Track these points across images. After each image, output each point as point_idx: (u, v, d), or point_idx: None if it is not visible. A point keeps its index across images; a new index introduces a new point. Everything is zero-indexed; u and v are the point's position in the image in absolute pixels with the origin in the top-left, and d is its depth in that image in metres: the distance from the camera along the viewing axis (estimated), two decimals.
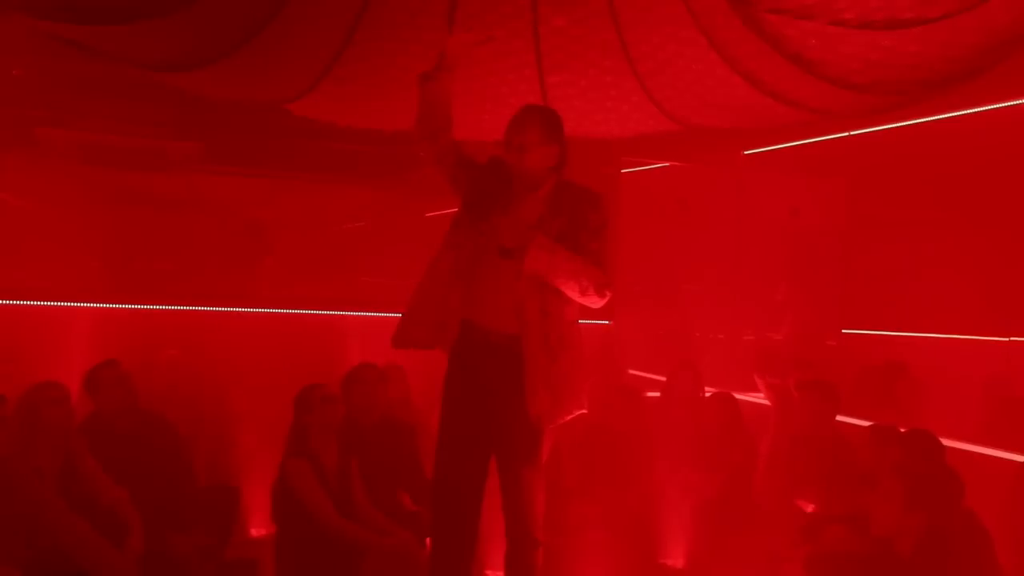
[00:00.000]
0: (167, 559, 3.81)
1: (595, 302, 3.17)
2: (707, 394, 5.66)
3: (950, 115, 6.55)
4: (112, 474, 3.83)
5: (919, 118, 6.71)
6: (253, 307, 6.71)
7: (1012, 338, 6.71)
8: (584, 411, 3.25)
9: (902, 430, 4.26)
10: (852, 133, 7.46)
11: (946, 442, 4.00)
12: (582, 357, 3.22)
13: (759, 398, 5.66)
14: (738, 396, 5.51)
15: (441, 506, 3.27)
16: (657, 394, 6.08)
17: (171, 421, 4.54)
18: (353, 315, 6.75)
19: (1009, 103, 6.27)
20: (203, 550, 3.96)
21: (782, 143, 8.10)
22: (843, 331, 8.24)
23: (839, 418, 4.97)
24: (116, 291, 7.02)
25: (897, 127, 6.97)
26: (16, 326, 5.84)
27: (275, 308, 6.79)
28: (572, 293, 3.15)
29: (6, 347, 5.41)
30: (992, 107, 6.34)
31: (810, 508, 4.68)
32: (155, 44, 4.32)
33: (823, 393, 4.90)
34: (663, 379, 6.14)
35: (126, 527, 3.67)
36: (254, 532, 4.76)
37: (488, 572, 4.30)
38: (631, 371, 7.25)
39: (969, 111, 6.45)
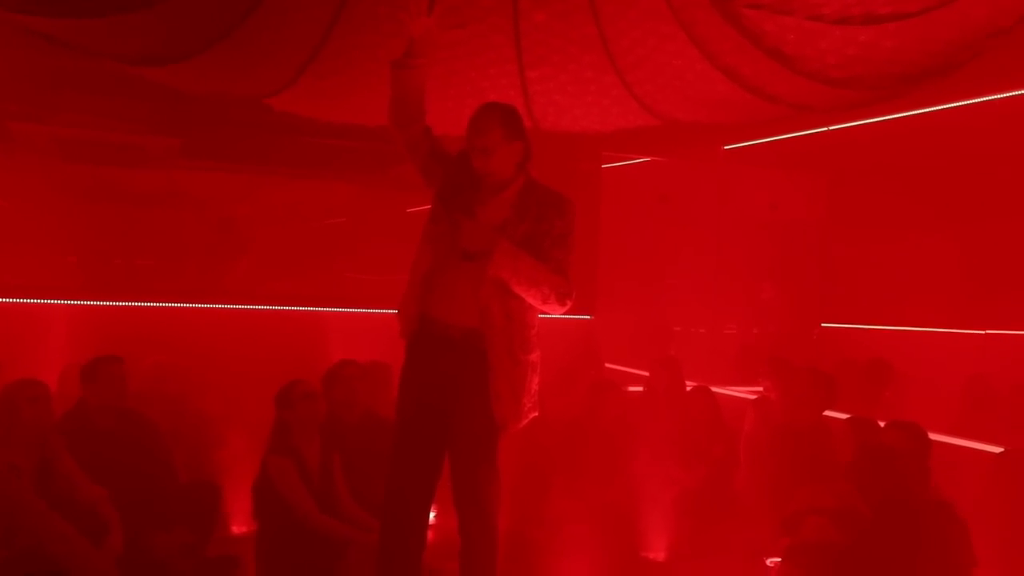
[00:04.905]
0: (147, 557, 3.78)
1: (555, 310, 3.12)
2: (688, 388, 5.69)
3: (928, 110, 6.60)
4: (92, 471, 3.80)
5: (898, 113, 6.76)
6: (233, 303, 6.67)
7: (988, 331, 6.78)
8: (536, 414, 3.21)
9: (881, 423, 4.31)
10: (831, 128, 7.50)
11: None
12: (540, 361, 3.19)
13: (739, 392, 5.69)
14: (718, 390, 5.54)
15: (394, 494, 3.21)
16: (639, 388, 6.10)
17: (152, 418, 4.52)
18: (334, 311, 6.73)
19: (988, 98, 6.32)
20: (184, 547, 3.93)
21: (762, 138, 8.14)
22: (822, 325, 8.31)
23: None
24: (93, 288, 6.96)
25: (876, 122, 7.02)
26: None
27: (256, 304, 6.76)
28: (533, 300, 3.09)
29: None
30: (970, 102, 6.39)
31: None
32: (132, 38, 4.28)
33: (818, 381, 4.91)
34: (645, 373, 6.16)
35: (105, 525, 3.64)
36: (235, 529, 4.73)
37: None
38: (613, 366, 7.27)
39: (947, 106, 6.50)
